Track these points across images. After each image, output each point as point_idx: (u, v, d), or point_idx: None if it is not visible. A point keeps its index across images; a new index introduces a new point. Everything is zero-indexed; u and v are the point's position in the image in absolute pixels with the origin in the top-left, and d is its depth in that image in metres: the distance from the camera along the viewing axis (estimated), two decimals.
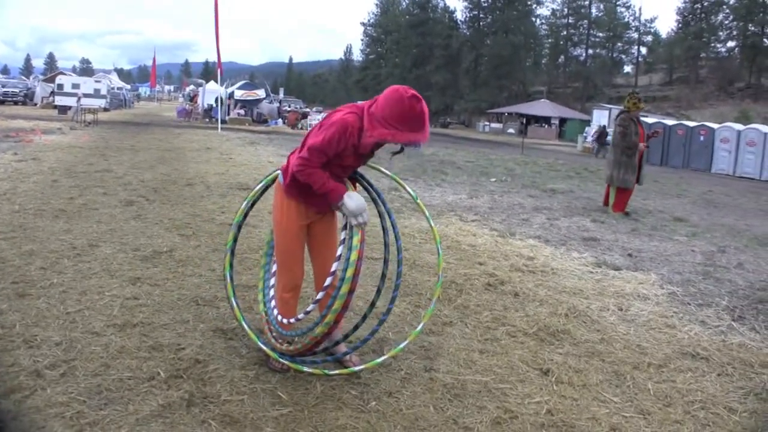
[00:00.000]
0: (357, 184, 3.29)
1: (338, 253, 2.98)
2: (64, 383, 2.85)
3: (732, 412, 3.12)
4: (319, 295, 3.04)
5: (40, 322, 3.54)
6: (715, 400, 3.21)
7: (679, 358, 3.75)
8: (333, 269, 3.00)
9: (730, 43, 62.74)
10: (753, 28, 58.82)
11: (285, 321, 3.21)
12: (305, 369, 3.11)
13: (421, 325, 3.29)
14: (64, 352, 3.16)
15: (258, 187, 3.39)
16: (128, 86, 71.80)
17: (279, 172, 3.24)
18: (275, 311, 3.31)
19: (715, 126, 27.64)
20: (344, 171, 3.12)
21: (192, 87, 55.19)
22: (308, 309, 3.05)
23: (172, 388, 2.88)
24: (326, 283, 3.01)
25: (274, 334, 3.25)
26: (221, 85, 33.77)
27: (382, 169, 3.46)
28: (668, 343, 4.02)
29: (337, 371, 3.17)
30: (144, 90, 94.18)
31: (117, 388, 2.85)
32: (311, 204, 3.14)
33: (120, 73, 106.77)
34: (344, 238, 3.02)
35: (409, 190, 3.48)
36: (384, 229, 3.34)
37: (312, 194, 3.05)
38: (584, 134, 38.85)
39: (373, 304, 3.31)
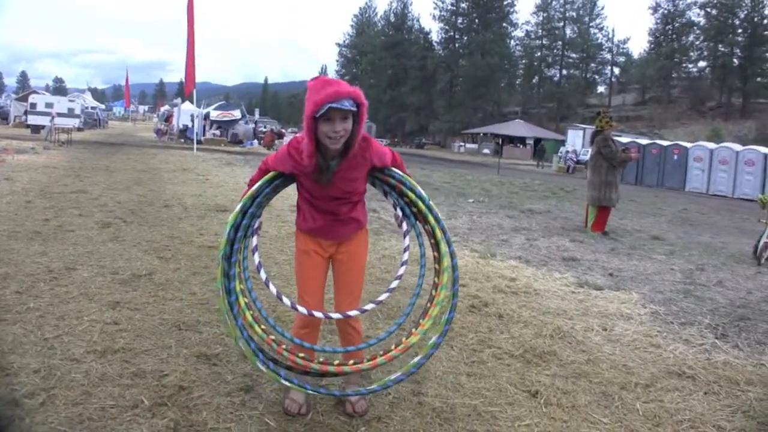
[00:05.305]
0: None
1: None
2: (44, 413, 2.75)
3: (721, 430, 3.11)
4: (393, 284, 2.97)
5: (17, 349, 3.42)
6: (704, 419, 3.21)
7: (665, 378, 3.75)
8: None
9: (701, 64, 64.64)
10: (723, 49, 60.55)
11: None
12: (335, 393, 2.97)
13: (418, 357, 2.97)
14: (43, 380, 3.06)
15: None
16: (102, 106, 71.37)
17: None
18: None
19: (688, 145, 28.25)
20: (315, 199, 2.99)
21: (167, 107, 54.87)
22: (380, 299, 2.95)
23: (157, 416, 2.80)
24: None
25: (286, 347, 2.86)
26: (197, 105, 33.68)
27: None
28: (654, 362, 4.02)
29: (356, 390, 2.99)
30: (118, 110, 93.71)
31: (99, 417, 2.76)
32: (314, 233, 3.01)
33: (94, 92, 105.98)
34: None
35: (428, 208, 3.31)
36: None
37: (312, 220, 2.99)
38: (559, 154, 39.44)
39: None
